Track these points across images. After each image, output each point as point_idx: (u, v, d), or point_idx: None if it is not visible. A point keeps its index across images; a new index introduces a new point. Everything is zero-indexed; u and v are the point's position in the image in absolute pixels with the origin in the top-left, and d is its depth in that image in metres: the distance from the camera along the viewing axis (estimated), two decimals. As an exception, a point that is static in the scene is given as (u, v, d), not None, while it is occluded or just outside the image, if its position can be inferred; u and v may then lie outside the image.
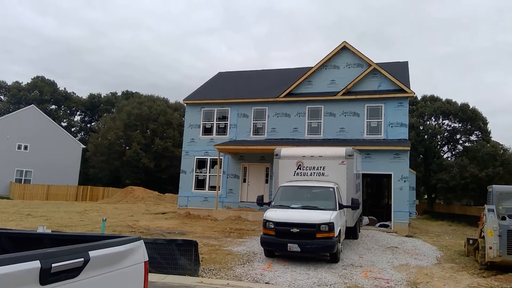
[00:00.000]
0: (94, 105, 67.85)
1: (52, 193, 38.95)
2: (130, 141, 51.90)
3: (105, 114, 61.97)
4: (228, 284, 8.70)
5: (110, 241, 2.74)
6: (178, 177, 24.91)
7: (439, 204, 49.62)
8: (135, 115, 52.88)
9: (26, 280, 2.09)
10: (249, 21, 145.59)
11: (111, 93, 69.66)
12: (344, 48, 22.32)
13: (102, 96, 69.11)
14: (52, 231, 3.90)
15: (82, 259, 2.41)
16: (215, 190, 22.37)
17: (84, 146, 50.34)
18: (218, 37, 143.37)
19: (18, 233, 4.06)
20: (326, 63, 22.59)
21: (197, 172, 24.18)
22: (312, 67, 22.81)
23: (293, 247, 10.38)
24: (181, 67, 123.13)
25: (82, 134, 67.87)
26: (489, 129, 45.96)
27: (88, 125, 69.24)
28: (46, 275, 2.18)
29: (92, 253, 2.49)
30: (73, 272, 2.36)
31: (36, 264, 2.13)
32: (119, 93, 69.38)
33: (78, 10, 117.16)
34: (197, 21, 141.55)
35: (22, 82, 64.98)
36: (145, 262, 3.08)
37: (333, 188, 11.91)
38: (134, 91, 67.79)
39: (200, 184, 24.03)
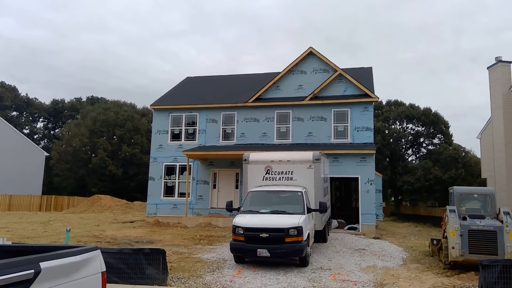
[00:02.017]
0: (58, 111, 65.61)
1: (14, 204, 37.33)
2: (96, 148, 50.51)
3: (69, 121, 60.06)
4: (196, 292, 8.56)
5: (63, 251, 2.61)
6: (146, 184, 24.44)
7: (405, 206, 50.98)
8: (101, 121, 51.54)
9: None
10: (216, 25, 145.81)
11: (75, 98, 67.64)
12: (311, 54, 22.66)
13: (66, 101, 66.97)
14: (12, 243, 3.70)
15: (33, 270, 2.28)
16: (185, 197, 22.08)
17: (47, 154, 48.57)
18: (186, 41, 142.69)
19: None
20: (293, 68, 22.86)
21: (166, 179, 23.79)
22: (280, 72, 23.02)
23: (263, 252, 10.36)
24: (148, 70, 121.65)
25: (46, 141, 65.42)
26: (451, 132, 47.76)
27: (52, 132, 66.85)
28: None
29: (43, 264, 2.36)
30: (22, 285, 2.23)
31: None
32: (84, 99, 67.48)
33: (40, 12, 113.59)
34: (164, 24, 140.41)
35: (-20, 88, 62.06)
36: (102, 272, 2.96)
37: (301, 192, 11.99)
38: (99, 96, 66.17)
39: (169, 191, 23.65)
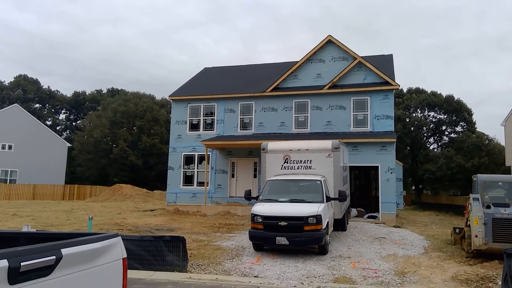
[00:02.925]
0: (79, 103, 66.89)
1: (38, 193, 38.38)
2: (117, 139, 51.35)
3: (90, 112, 61.19)
4: (216, 279, 8.66)
5: (84, 238, 2.65)
6: (166, 174, 24.75)
7: (426, 194, 50.26)
8: (121, 112, 52.32)
9: None
10: (233, 14, 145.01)
11: (96, 90, 68.81)
12: (329, 42, 22.32)
13: (87, 93, 68.18)
14: (36, 230, 3.80)
15: (54, 257, 2.32)
16: (204, 186, 22.27)
17: (70, 145, 49.65)
18: (202, 31, 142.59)
19: None
20: (312, 57, 22.58)
21: (185, 168, 24.03)
22: (298, 61, 22.78)
23: (282, 240, 10.38)
24: (165, 62, 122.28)
25: (68, 132, 66.90)
26: (474, 120, 46.65)
27: (74, 124, 68.28)
28: (14, 274, 2.09)
29: (64, 251, 2.40)
30: (45, 271, 2.28)
31: (4, 263, 2.04)
32: (104, 90, 68.56)
33: (58, 6, 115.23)
34: (180, 15, 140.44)
35: (4, 81, 63.76)
36: (123, 259, 3.00)
37: (320, 181, 11.93)
38: (119, 88, 67.06)
39: (188, 180, 23.90)
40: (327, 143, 13.13)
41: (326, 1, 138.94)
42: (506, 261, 7.39)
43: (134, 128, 53.77)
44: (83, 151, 52.11)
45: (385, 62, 23.56)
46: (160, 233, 14.01)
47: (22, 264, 2.11)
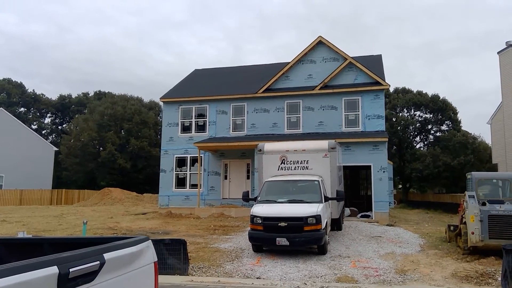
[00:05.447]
0: (65, 107, 65.91)
1: (25, 198, 37.71)
2: (105, 142, 50.76)
3: (77, 115, 60.35)
4: (219, 281, 8.65)
5: (123, 242, 2.64)
6: (155, 177, 24.63)
7: (413, 193, 50.90)
8: (109, 115, 51.76)
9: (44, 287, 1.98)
10: (218, 13, 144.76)
11: (82, 93, 67.90)
12: (320, 43, 22.49)
13: (73, 96, 67.26)
14: (33, 236, 3.76)
15: (98, 262, 2.31)
16: (197, 188, 22.18)
17: (56, 149, 48.86)
18: (188, 31, 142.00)
19: (8, 239, 3.89)
20: (303, 58, 22.72)
21: (177, 171, 23.91)
22: (289, 62, 22.90)
23: (282, 241, 10.42)
24: (150, 62, 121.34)
25: (54, 136, 65.85)
26: (459, 119, 47.43)
27: (59, 127, 67.25)
28: (64, 281, 2.07)
29: (107, 256, 2.39)
30: (89, 276, 2.27)
31: (54, 270, 2.02)
32: (91, 93, 67.71)
33: (40, 6, 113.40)
34: (164, 15, 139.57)
35: (-13, 85, 62.39)
36: (154, 262, 3.00)
37: (318, 181, 12.01)
38: (106, 91, 66.31)
39: (180, 182, 23.78)
40: (324, 143, 13.23)
41: None
42: (505, 257, 7.55)
43: (122, 131, 53.22)
44: (70, 155, 51.37)
45: (374, 62, 23.84)
46: (155, 236, 13.90)
47: (70, 270, 2.09)
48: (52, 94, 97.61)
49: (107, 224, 18.12)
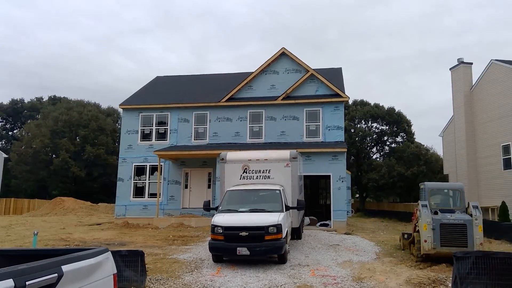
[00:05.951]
0: (17, 111, 62.58)
1: (-31, 208, 35.33)
2: (58, 149, 48.61)
3: (29, 121, 57.45)
4: (178, 293, 8.46)
5: (81, 253, 2.52)
6: (112, 185, 23.89)
7: (369, 202, 52.47)
8: (63, 121, 49.67)
9: None
10: (183, 22, 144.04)
11: (36, 98, 64.76)
12: (283, 54, 22.88)
13: (26, 101, 64.04)
14: None
15: (56, 274, 2.20)
16: (156, 197, 21.70)
17: (6, 156, 46.20)
18: (151, 38, 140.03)
19: None
20: (266, 69, 22.99)
21: (136, 180, 23.31)
22: (253, 72, 23.10)
23: (243, 250, 10.36)
24: (111, 68, 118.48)
25: (4, 142, 62.31)
26: (413, 131, 49.64)
27: (10, 133, 63.73)
28: None
29: (65, 268, 2.28)
30: None
31: (10, 283, 1.90)
32: (46, 98, 64.78)
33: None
34: (127, 21, 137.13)
35: None
36: (114, 274, 2.89)
37: (279, 190, 12.10)
38: (62, 96, 63.71)
39: (139, 191, 23.18)
40: (286, 153, 13.38)
41: (277, 12, 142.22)
42: (456, 264, 7.91)
43: (78, 138, 51.21)
44: (20, 162, 48.71)
45: (335, 75, 24.53)
46: (111, 248, 13.36)
47: (27, 283, 1.98)
48: (5, 98, 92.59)
49: (59, 235, 17.30)
